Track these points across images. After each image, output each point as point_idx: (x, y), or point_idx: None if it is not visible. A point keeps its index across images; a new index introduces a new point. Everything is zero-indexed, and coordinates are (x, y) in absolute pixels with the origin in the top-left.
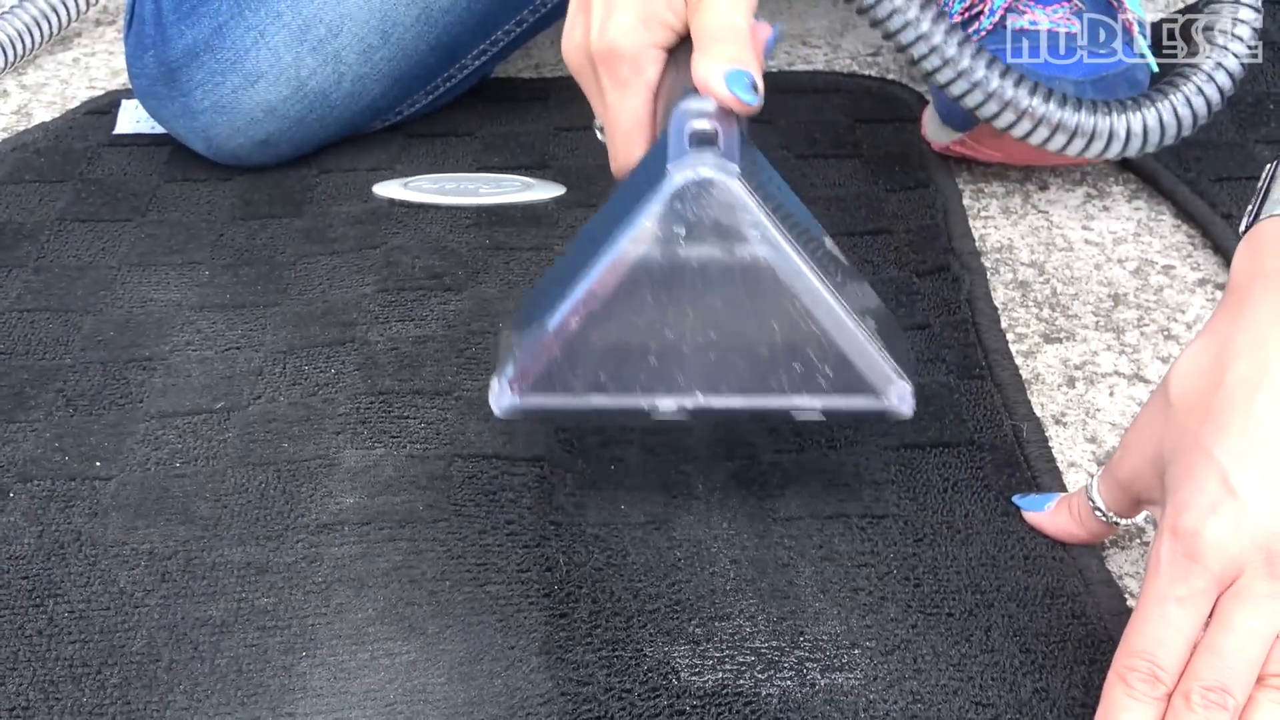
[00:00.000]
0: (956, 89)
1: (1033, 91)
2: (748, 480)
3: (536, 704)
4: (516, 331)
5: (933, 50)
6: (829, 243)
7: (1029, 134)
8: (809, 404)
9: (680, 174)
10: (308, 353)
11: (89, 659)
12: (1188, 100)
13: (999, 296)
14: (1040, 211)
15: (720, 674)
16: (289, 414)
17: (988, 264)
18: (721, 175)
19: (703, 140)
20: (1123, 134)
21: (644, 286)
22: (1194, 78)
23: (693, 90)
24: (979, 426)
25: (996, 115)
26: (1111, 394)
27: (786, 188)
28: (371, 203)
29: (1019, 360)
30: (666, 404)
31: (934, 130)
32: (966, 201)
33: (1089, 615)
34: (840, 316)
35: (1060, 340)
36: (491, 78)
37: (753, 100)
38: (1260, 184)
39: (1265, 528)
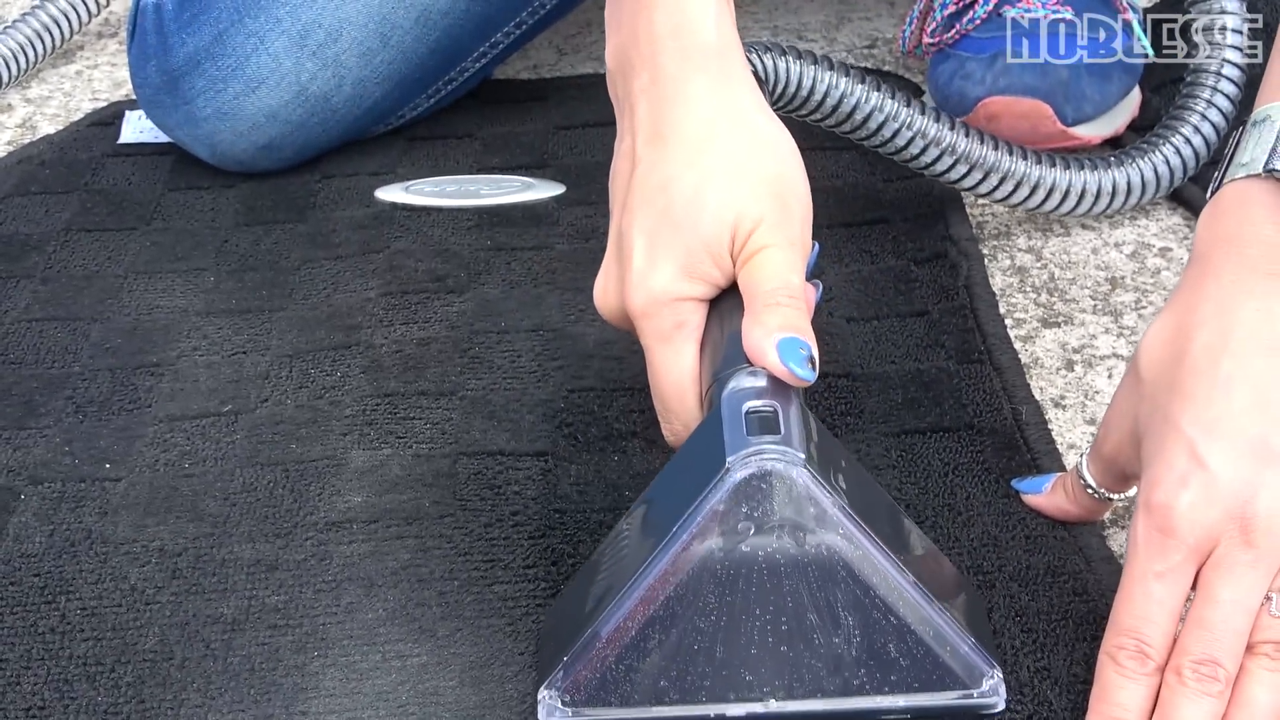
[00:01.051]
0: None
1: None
2: None
3: None
4: (560, 631)
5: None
6: (903, 518)
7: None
8: (893, 704)
9: (742, 468)
10: (313, 356)
11: (102, 657)
12: (1167, 159)
13: (997, 283)
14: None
15: None
16: (296, 416)
17: (985, 250)
18: (787, 466)
19: (763, 424)
20: (1109, 189)
21: (707, 586)
22: (1181, 130)
23: (743, 356)
24: (979, 411)
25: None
26: (1110, 376)
27: (849, 456)
28: (374, 207)
29: (1018, 345)
30: (736, 711)
31: None
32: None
33: (1090, 593)
34: (925, 609)
35: (1058, 324)
36: (490, 79)
37: (809, 377)
38: (1226, 150)
39: (1237, 496)
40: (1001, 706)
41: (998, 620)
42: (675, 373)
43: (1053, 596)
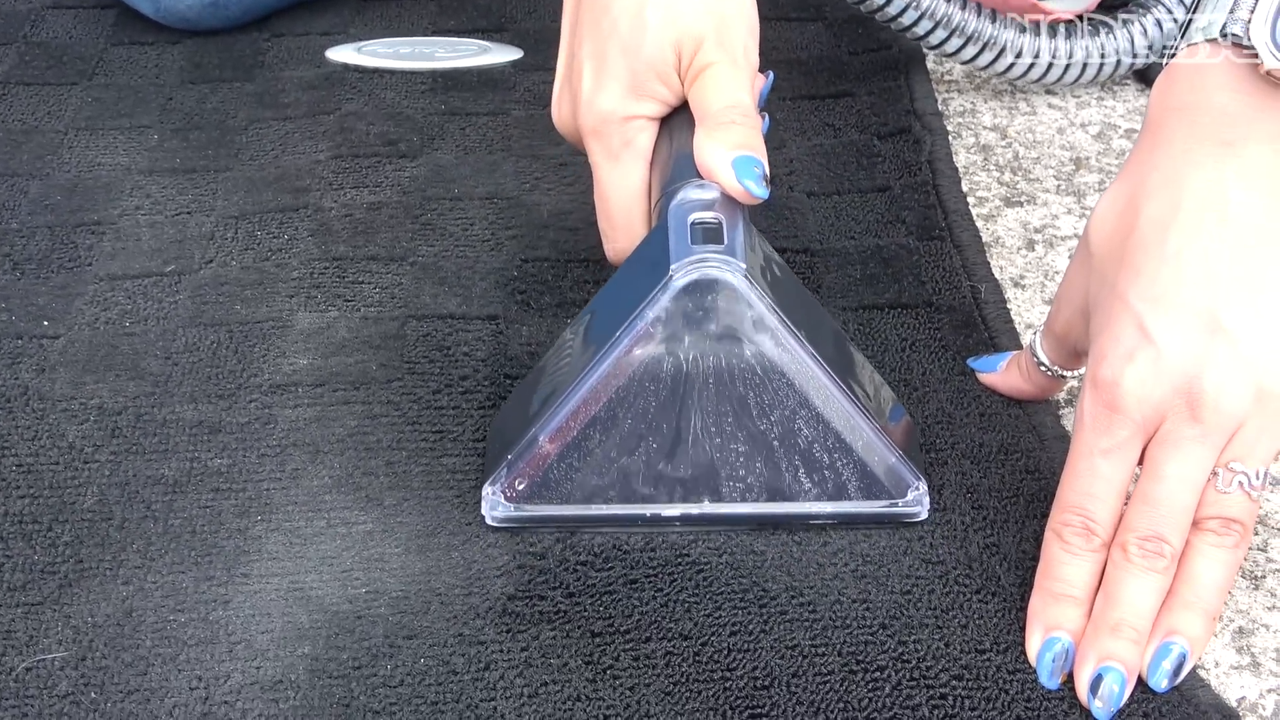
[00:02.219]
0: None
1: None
2: None
3: (493, 575)
4: (505, 432)
5: None
6: (846, 342)
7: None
8: (821, 509)
9: (684, 274)
10: (260, 218)
11: (39, 515)
12: (1133, 37)
13: (960, 160)
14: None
15: (672, 543)
16: (241, 278)
17: (950, 128)
18: (728, 275)
19: (707, 234)
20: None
21: (647, 390)
22: (1153, 10)
23: (693, 173)
24: (938, 288)
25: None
26: (1071, 257)
27: (793, 276)
28: (325, 68)
29: (979, 224)
30: (670, 511)
31: None
32: (930, 65)
33: (1042, 470)
34: (855, 419)
35: (1021, 204)
36: None
37: (763, 193)
38: (1182, 20)
39: (1183, 371)
40: (924, 516)
41: (948, 497)
42: (623, 190)
43: (1004, 474)
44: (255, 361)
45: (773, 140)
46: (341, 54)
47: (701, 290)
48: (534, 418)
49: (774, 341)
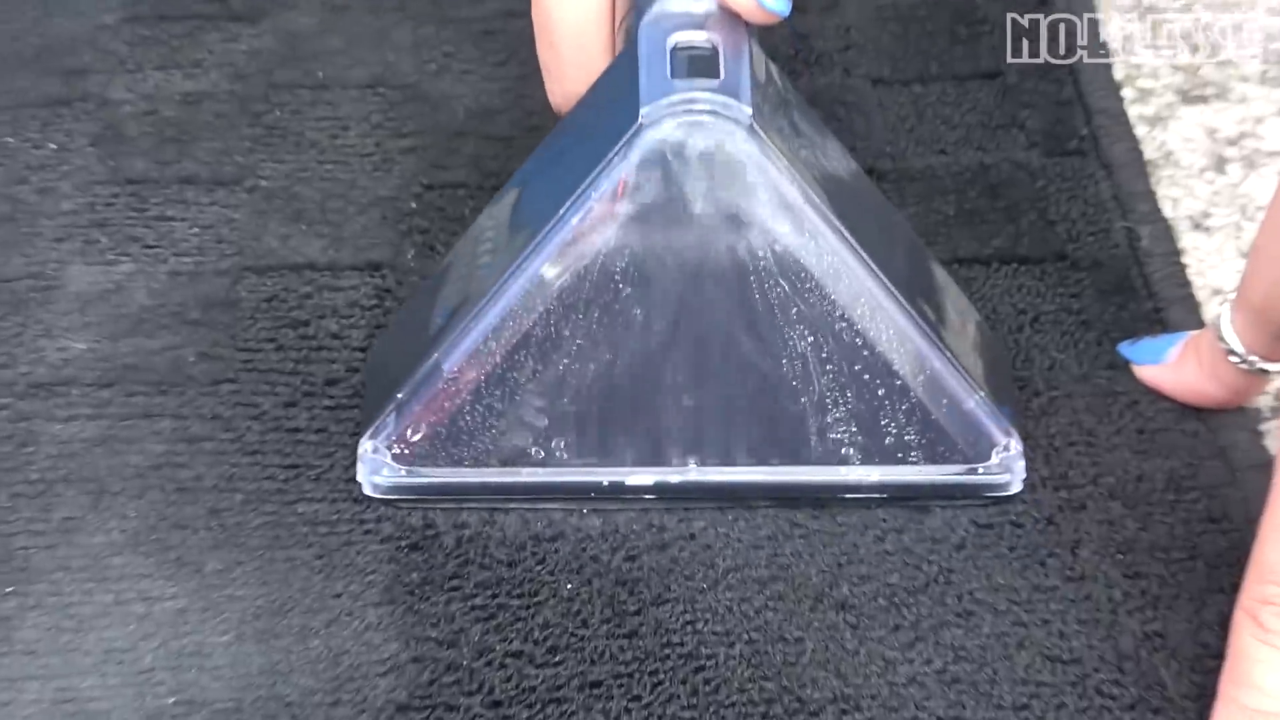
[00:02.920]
0: None
1: None
2: None
3: (375, 674)
4: (393, 364)
5: None
6: (897, 222)
7: None
8: (863, 478)
9: (660, 123)
10: (13, 116)
11: None
12: None
13: (1114, 28)
14: None
15: (646, 526)
16: None
17: None
18: (725, 123)
19: (694, 65)
20: None
21: (604, 299)
22: None
23: None
24: (1074, 231)
25: None
26: None
27: (823, 129)
28: None
29: (1141, 130)
30: (640, 479)
31: None
32: None
33: (1231, 517)
34: (916, 342)
35: (1206, 99)
36: None
37: (783, 8)
38: None
39: None
40: (1017, 488)
41: (1086, 559)
42: (575, 13)
43: (1173, 523)
44: (5, 346)
45: None
46: None
47: (685, 146)
48: (436, 338)
49: (796, 226)
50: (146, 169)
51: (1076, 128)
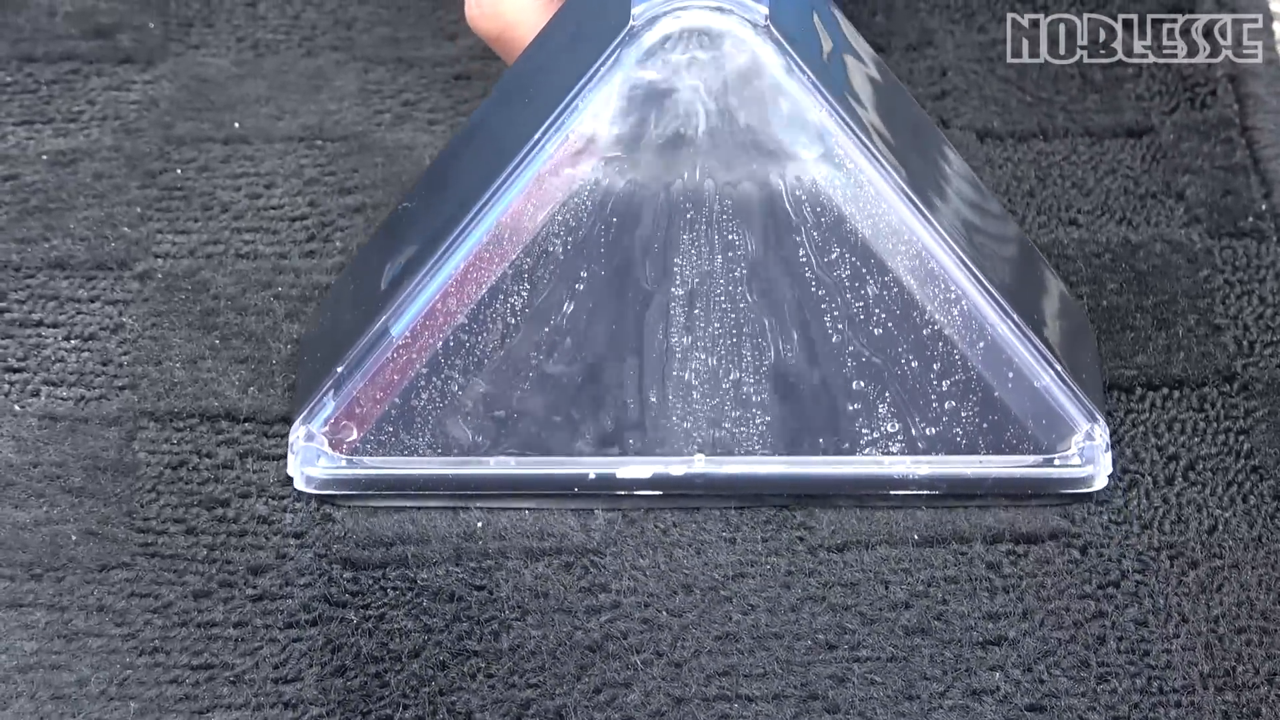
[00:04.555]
0: None
1: None
2: None
3: None
4: (332, 334)
5: None
6: (957, 165)
7: None
8: (910, 473)
9: (656, 25)
10: None
11: None
12: None
13: None
14: None
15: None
16: None
17: (1275, 4)
18: (739, 29)
19: None
20: None
21: (588, 243)
22: None
23: None
24: (1246, 342)
25: None
26: None
27: (875, 57)
28: None
29: None
30: (633, 471)
31: None
32: None
33: None
34: (979, 307)
35: None
36: None
37: None
38: None
39: None
40: (1100, 485)
41: None
42: None
43: None
44: None
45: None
46: None
47: (690, 56)
48: (383, 299)
49: (824, 154)
50: (4, 252)
51: (1252, 201)
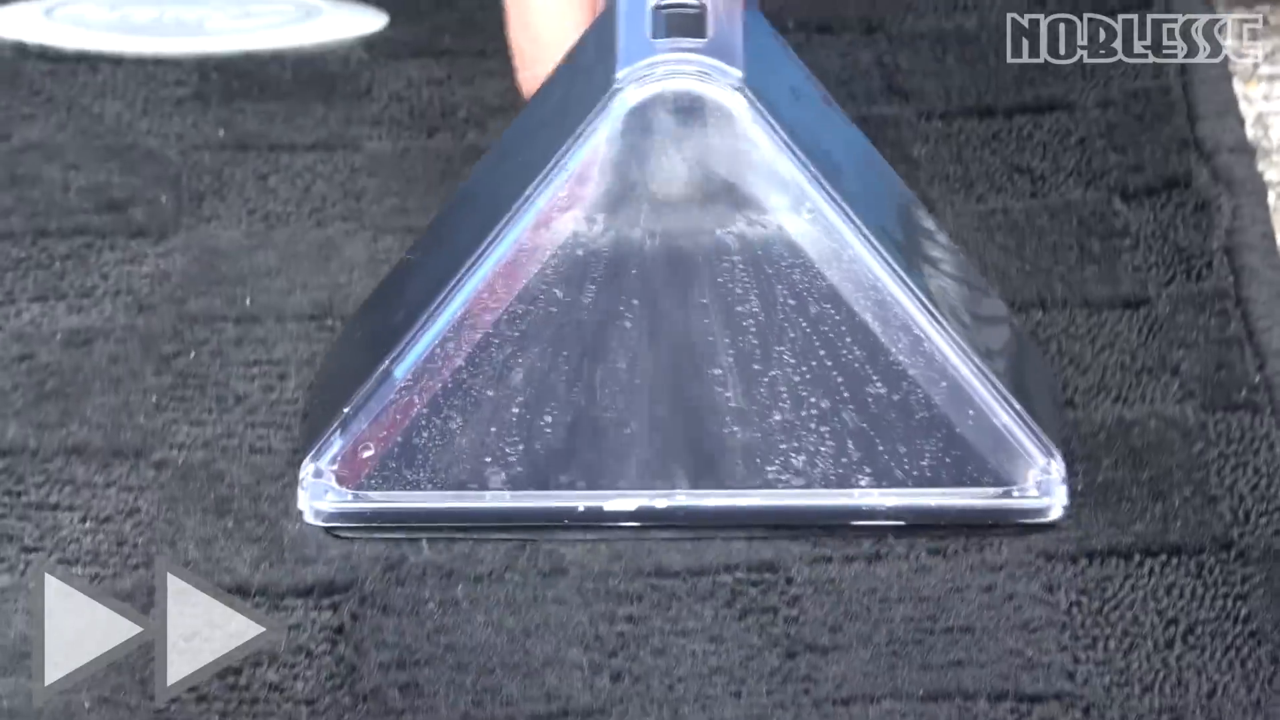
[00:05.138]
0: None
1: None
2: None
3: None
4: (340, 377)
5: None
6: (919, 214)
7: None
8: (876, 504)
9: (637, 88)
10: None
11: None
12: None
13: None
14: None
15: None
16: None
17: (1271, 173)
18: (716, 92)
19: (678, 24)
20: None
21: (575, 293)
22: None
23: None
24: (1243, 512)
25: None
26: None
27: (833, 106)
28: None
29: None
30: (617, 504)
31: None
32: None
33: None
34: (936, 340)
35: None
36: None
37: None
38: None
39: None
40: (1056, 515)
41: None
42: None
43: None
44: None
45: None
46: (11, 22)
47: (668, 114)
48: (386, 345)
49: (794, 205)
50: (21, 436)
51: (1246, 374)
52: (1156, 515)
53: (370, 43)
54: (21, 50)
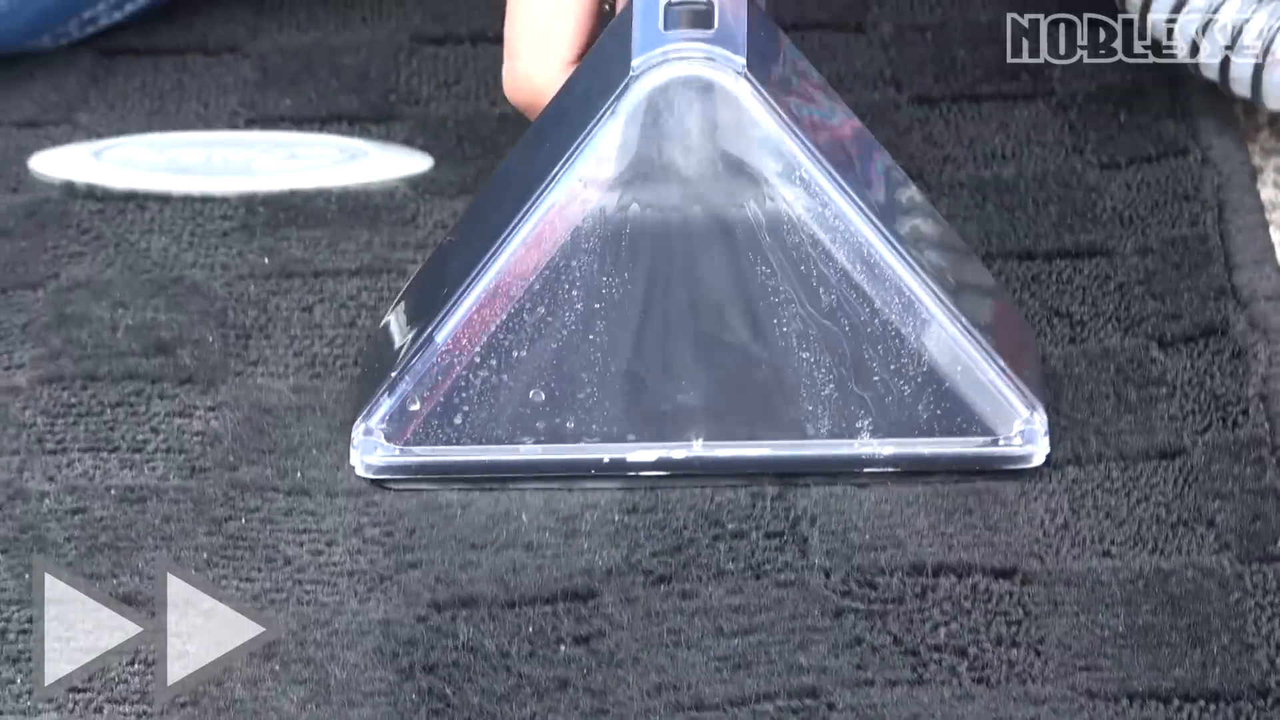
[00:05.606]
0: None
1: None
2: None
3: None
4: (387, 345)
5: None
6: (906, 186)
7: None
8: (875, 451)
9: (651, 74)
10: None
11: None
12: None
13: None
14: None
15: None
16: None
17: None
18: (719, 75)
19: (690, 19)
20: None
21: (598, 263)
22: None
23: None
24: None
25: None
26: None
27: (829, 91)
28: (28, 191)
29: None
30: (641, 455)
31: None
32: (1266, 189)
33: None
34: (926, 308)
35: None
36: None
37: None
38: None
39: None
40: (1038, 461)
41: None
42: None
43: None
44: None
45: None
46: (62, 163)
47: (679, 99)
48: (428, 313)
49: (793, 181)
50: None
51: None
52: (1195, 661)
53: (415, 182)
54: (70, 190)
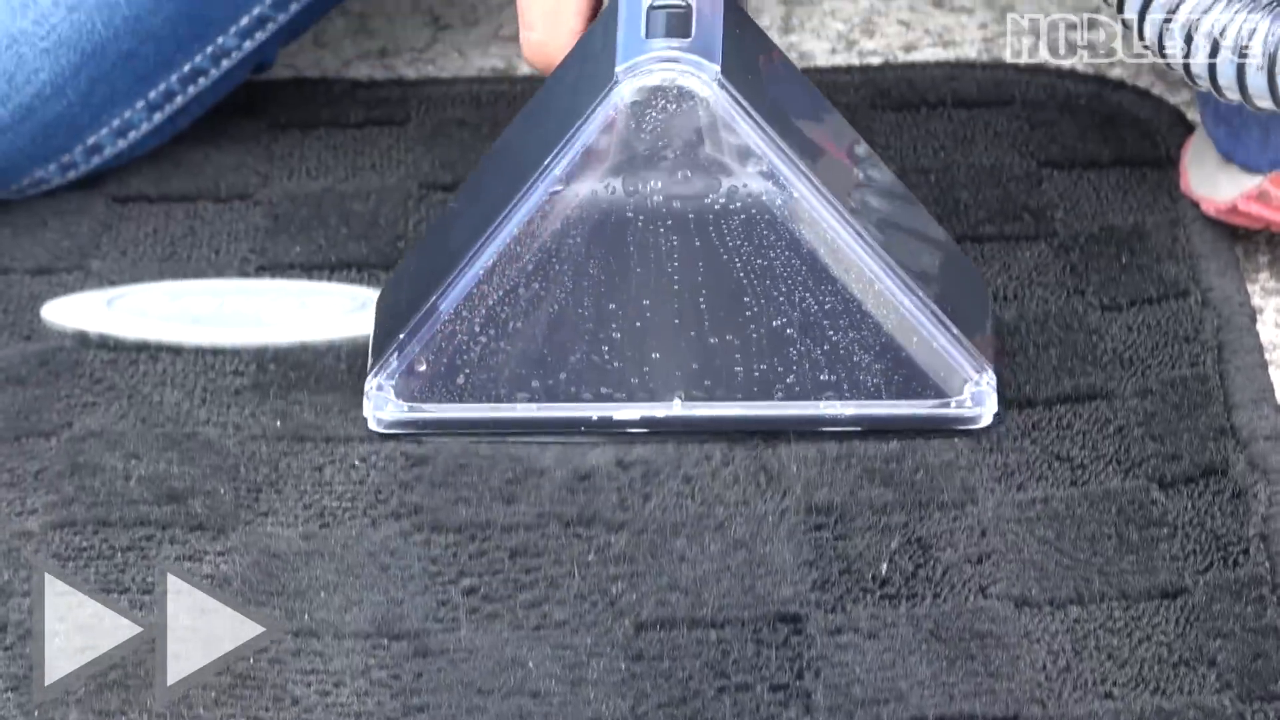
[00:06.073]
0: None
1: None
2: None
3: None
4: (397, 306)
5: None
6: (874, 169)
7: None
8: (839, 412)
9: (632, 81)
10: None
11: None
12: None
13: None
14: None
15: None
16: None
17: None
18: (694, 79)
19: (669, 24)
20: None
21: (587, 244)
22: None
23: None
24: None
25: None
26: None
27: (806, 83)
28: (41, 339)
29: None
30: (626, 413)
31: (1203, 178)
32: (1266, 329)
33: None
34: (885, 281)
35: None
36: (279, 78)
37: None
38: None
39: None
40: (987, 421)
41: None
42: None
43: None
44: None
45: (952, 470)
46: (72, 311)
47: (658, 102)
48: (434, 281)
49: (764, 173)
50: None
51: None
52: None
53: None
54: (83, 339)
